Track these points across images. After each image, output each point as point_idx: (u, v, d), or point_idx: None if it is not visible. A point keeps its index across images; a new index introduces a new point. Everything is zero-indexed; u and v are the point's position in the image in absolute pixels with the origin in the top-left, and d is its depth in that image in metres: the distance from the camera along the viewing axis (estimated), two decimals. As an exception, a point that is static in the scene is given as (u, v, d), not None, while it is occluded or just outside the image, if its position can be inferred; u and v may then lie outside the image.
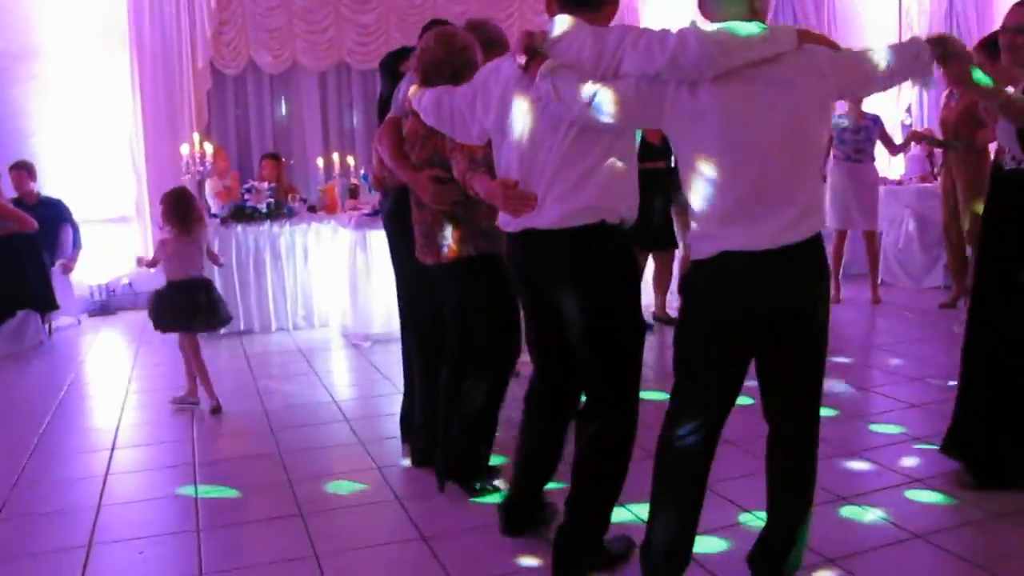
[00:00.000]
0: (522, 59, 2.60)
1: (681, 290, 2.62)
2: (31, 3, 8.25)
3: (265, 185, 7.24)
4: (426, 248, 3.53)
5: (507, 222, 2.83)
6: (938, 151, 9.57)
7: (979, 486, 3.46)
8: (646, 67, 2.39)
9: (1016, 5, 3.34)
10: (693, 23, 2.41)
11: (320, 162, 8.15)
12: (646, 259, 6.71)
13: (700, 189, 2.43)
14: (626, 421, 2.80)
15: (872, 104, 7.64)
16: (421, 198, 3.47)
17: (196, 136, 7.78)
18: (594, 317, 2.71)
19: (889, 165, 10.76)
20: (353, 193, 7.70)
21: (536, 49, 2.59)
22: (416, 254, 3.60)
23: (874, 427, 4.41)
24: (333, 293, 7.23)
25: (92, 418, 5.22)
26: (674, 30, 2.37)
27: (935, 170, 9.67)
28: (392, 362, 5.95)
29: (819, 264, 2.47)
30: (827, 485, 3.47)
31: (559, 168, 2.63)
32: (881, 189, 8.71)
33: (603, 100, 2.44)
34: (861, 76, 2.46)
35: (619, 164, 2.66)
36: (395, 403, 4.80)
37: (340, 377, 5.95)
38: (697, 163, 2.41)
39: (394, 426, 4.40)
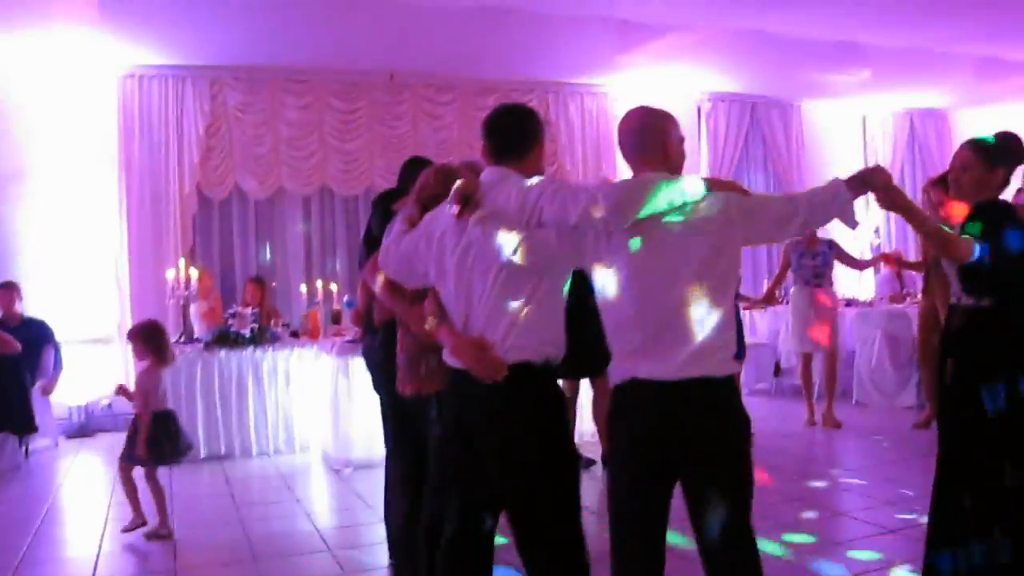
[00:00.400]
0: (455, 208, 2.78)
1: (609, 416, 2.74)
2: (24, 125, 8.48)
3: (249, 310, 7.35)
4: (407, 379, 3.62)
5: (447, 355, 2.92)
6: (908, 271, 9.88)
7: None
8: (562, 219, 2.61)
9: (963, 144, 3.55)
10: (604, 178, 2.64)
11: (304, 288, 8.28)
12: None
13: (612, 324, 2.67)
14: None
15: (829, 227, 7.92)
16: (412, 329, 3.58)
17: (182, 260, 7.90)
18: (512, 459, 2.77)
19: (860, 284, 11.08)
20: (336, 319, 7.81)
21: (469, 198, 2.78)
22: (396, 384, 3.70)
23: (852, 554, 4.46)
24: (314, 418, 7.26)
25: (70, 547, 5.18)
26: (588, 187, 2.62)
27: (904, 290, 9.95)
28: (373, 490, 5.96)
29: (731, 405, 2.62)
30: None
31: (489, 310, 2.76)
32: (852, 310, 8.96)
33: (528, 247, 2.66)
34: (772, 223, 2.65)
35: (546, 305, 2.79)
36: (377, 532, 4.82)
37: (322, 504, 5.94)
38: (611, 301, 2.64)
39: (377, 556, 4.42)
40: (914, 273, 9.32)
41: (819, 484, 5.85)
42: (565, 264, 2.78)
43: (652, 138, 2.70)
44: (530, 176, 2.84)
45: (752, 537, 2.65)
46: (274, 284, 9.04)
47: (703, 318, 2.56)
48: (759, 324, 10.27)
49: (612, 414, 2.72)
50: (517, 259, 2.68)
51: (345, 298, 7.95)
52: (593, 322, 2.79)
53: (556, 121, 10.30)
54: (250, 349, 7.20)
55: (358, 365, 6.73)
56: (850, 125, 12.42)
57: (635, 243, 2.58)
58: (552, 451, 2.80)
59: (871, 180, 2.72)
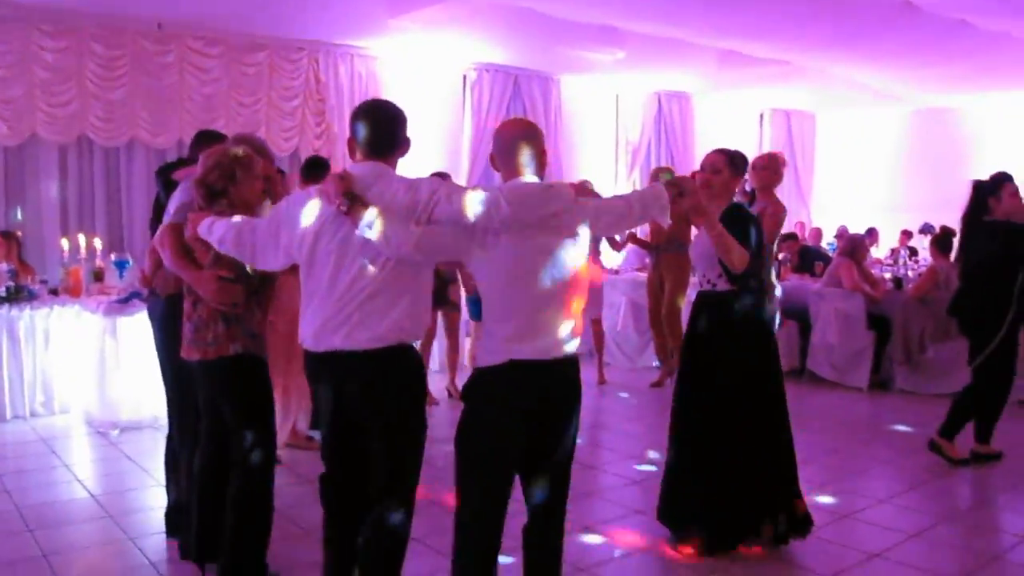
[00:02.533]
0: (343, 204, 2.96)
1: (465, 395, 3.06)
2: None
3: (4, 266, 7.00)
4: (193, 344, 3.75)
5: (313, 342, 3.12)
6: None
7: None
8: (459, 218, 2.91)
9: (713, 151, 4.32)
10: (499, 184, 3.01)
11: (65, 243, 7.92)
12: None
13: (492, 313, 3.01)
14: (407, 510, 3.16)
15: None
16: (202, 295, 3.71)
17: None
18: (393, 429, 3.11)
19: (609, 254, 11.91)
20: (98, 276, 7.57)
21: (354, 194, 2.97)
22: (181, 352, 3.82)
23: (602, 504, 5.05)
24: (76, 379, 7.05)
25: None
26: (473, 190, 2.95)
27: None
28: (143, 452, 6.00)
29: (578, 375, 3.11)
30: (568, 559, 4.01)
31: (372, 296, 3.01)
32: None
33: (426, 242, 2.93)
34: (617, 220, 3.19)
35: (422, 292, 3.14)
36: (156, 496, 4.91)
37: (93, 469, 5.85)
38: (491, 293, 3.00)
39: (160, 521, 4.51)
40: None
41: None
42: (453, 257, 3.07)
43: (534, 147, 3.05)
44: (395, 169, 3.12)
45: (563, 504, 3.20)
46: (19, 233, 8.39)
47: (565, 308, 2.98)
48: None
49: (482, 394, 3.01)
50: (408, 254, 2.93)
51: (112, 257, 7.71)
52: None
53: (326, 82, 10.32)
54: (5, 307, 6.88)
55: (126, 325, 6.68)
56: (604, 100, 13.21)
57: (518, 241, 2.90)
58: (419, 417, 3.18)
59: (685, 184, 3.35)
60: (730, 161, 4.23)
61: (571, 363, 3.04)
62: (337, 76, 10.47)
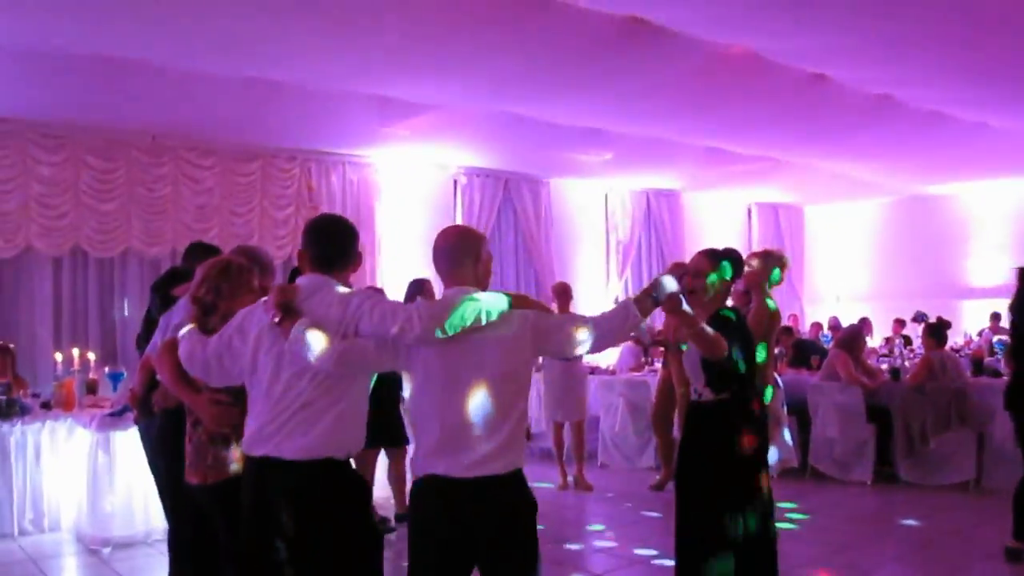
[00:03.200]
0: (276, 315, 2.98)
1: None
2: None
3: (-4, 381, 6.94)
4: (192, 468, 3.69)
5: (248, 447, 3.09)
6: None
7: None
8: (379, 332, 2.92)
9: (699, 253, 4.15)
10: (419, 301, 3.02)
11: (59, 356, 7.86)
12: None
13: (418, 422, 3.00)
14: None
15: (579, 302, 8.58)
16: (200, 419, 3.66)
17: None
18: (308, 544, 3.00)
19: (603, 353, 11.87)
20: (91, 389, 7.49)
21: (290, 305, 3.00)
22: (184, 475, 3.76)
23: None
24: (66, 495, 6.90)
25: None
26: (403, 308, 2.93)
27: (647, 359, 10.80)
28: (136, 569, 5.84)
29: (521, 497, 2.95)
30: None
31: (302, 407, 2.98)
32: (595, 378, 9.63)
33: (349, 355, 2.92)
34: (565, 342, 3.04)
35: (355, 405, 3.08)
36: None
37: (82, 589, 5.70)
38: (418, 401, 2.97)
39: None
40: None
41: (574, 547, 6.34)
42: (382, 368, 3.05)
43: (465, 256, 3.01)
44: (345, 283, 3.08)
45: None
46: (12, 346, 8.33)
47: (495, 422, 2.89)
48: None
49: (412, 506, 2.99)
50: (333, 367, 2.90)
51: (106, 370, 7.65)
52: (394, 399, 3.11)
53: (318, 190, 10.44)
54: (-2, 422, 6.78)
55: (120, 439, 6.57)
56: (594, 201, 13.39)
57: (440, 352, 2.88)
58: (359, 537, 3.03)
59: (659, 297, 3.15)
60: (715, 263, 4.04)
61: (496, 483, 2.88)
62: (330, 183, 10.61)
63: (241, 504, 3.15)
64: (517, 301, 3.04)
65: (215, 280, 3.62)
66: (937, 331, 8.12)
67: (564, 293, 8.52)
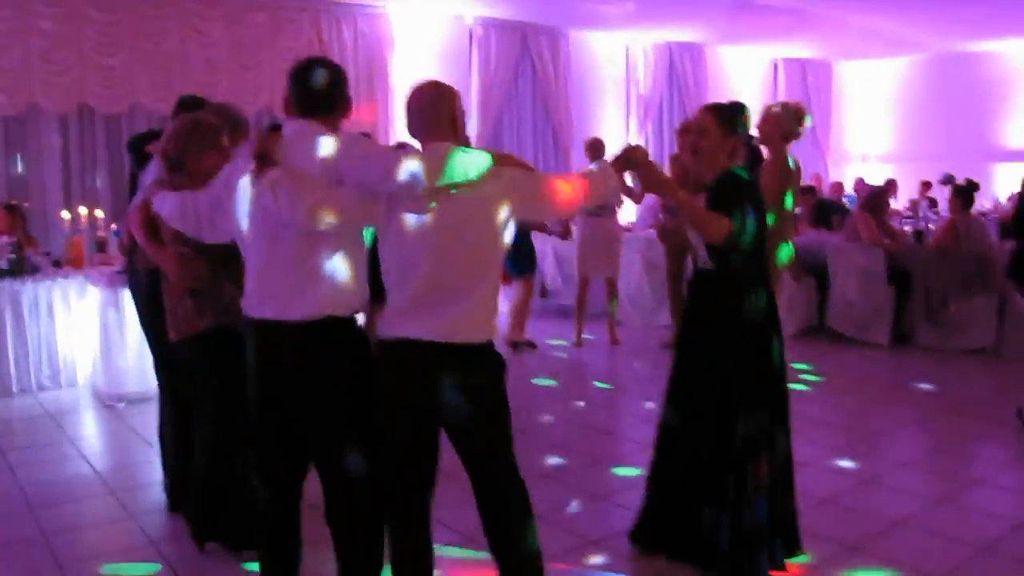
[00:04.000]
0: (252, 165, 2.82)
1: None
2: None
3: (4, 239, 6.87)
4: (169, 324, 3.65)
5: (247, 308, 2.97)
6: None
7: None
8: (363, 180, 2.74)
9: (702, 109, 3.68)
10: (406, 146, 2.79)
11: (66, 214, 7.78)
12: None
13: (389, 282, 2.85)
14: (363, 452, 2.99)
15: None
16: (167, 274, 3.59)
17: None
18: (321, 408, 2.92)
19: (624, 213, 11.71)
20: (101, 247, 7.43)
21: (265, 155, 2.81)
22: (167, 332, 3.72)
23: (617, 471, 4.90)
24: (82, 351, 6.96)
25: None
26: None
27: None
28: (149, 424, 5.86)
29: (492, 367, 2.87)
30: (581, 530, 3.90)
31: (293, 262, 2.84)
32: (619, 237, 9.47)
33: (323, 208, 2.73)
34: (543, 202, 2.93)
35: (348, 260, 2.89)
36: (158, 470, 4.79)
37: (97, 444, 5.77)
38: (390, 260, 2.83)
39: (161, 495, 4.45)
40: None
41: (581, 404, 6.35)
42: (362, 224, 2.89)
43: (442, 112, 2.83)
44: (334, 132, 2.90)
45: (517, 473, 2.95)
46: (26, 205, 8.29)
47: (474, 285, 2.78)
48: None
49: (381, 367, 2.89)
50: (316, 223, 2.74)
51: (112, 227, 7.59)
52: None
53: (329, 42, 10.10)
54: (7, 281, 6.77)
55: (128, 296, 6.52)
56: (615, 54, 12.93)
57: (422, 209, 2.72)
58: (363, 394, 2.95)
59: (631, 159, 3.11)
60: (720, 119, 3.55)
61: (471, 349, 2.80)
62: (341, 36, 10.26)
63: (245, 365, 3.04)
64: (500, 160, 2.86)
65: (182, 137, 3.52)
66: (965, 193, 7.86)
67: (596, 148, 8.24)
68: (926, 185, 13.54)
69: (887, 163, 14.77)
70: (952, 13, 11.45)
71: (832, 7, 11.08)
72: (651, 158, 3.30)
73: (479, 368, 2.84)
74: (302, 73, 2.92)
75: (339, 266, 2.86)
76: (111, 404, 6.47)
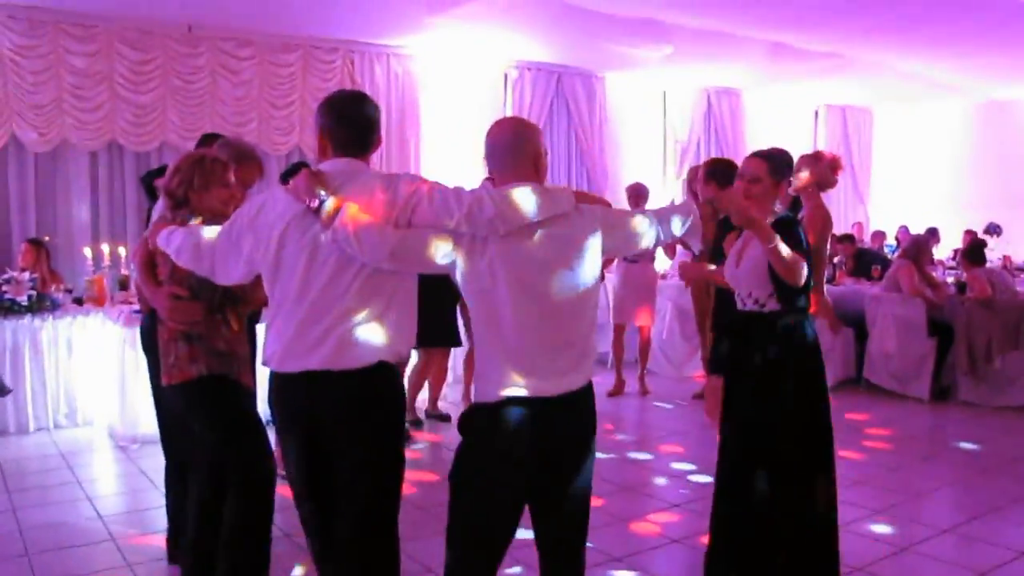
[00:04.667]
0: (313, 199, 2.62)
1: (461, 430, 2.68)
2: None
3: (26, 275, 6.82)
4: (163, 369, 3.47)
5: (281, 362, 2.77)
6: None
7: None
8: (441, 220, 2.55)
9: (750, 157, 3.64)
10: (485, 183, 2.61)
11: (88, 252, 7.74)
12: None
13: (484, 335, 2.61)
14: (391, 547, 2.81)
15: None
16: (160, 315, 3.44)
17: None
18: (371, 457, 2.75)
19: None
20: (123, 285, 7.36)
21: (328, 194, 2.62)
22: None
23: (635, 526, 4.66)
24: (99, 390, 6.86)
25: None
26: (466, 189, 2.58)
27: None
28: (160, 467, 5.71)
29: (592, 409, 2.69)
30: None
31: (348, 309, 2.65)
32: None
33: (405, 246, 2.55)
34: (630, 237, 2.78)
35: (405, 305, 2.75)
36: (164, 518, 4.63)
37: (106, 486, 5.63)
38: (483, 311, 2.59)
39: (163, 545, 4.28)
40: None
41: (607, 456, 6.11)
42: (437, 268, 2.65)
43: (527, 148, 2.67)
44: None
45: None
46: (46, 239, 8.13)
47: (579, 326, 2.62)
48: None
49: (478, 430, 2.64)
50: (383, 260, 2.58)
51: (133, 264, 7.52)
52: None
53: (361, 82, 10.06)
54: (28, 317, 6.70)
55: (147, 336, 6.44)
56: (651, 99, 12.78)
57: (509, 250, 2.55)
58: (397, 447, 2.83)
59: (720, 206, 3.02)
60: (771, 167, 3.55)
61: (582, 397, 2.64)
62: (373, 76, 10.22)
63: (279, 427, 2.89)
64: (579, 197, 2.73)
65: (186, 172, 3.38)
66: (972, 253, 7.76)
67: (638, 194, 8.16)
68: (970, 235, 13.20)
69: (928, 213, 14.43)
70: (994, 59, 11.20)
71: (870, 50, 10.86)
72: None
73: (588, 417, 2.71)
74: (344, 108, 2.78)
75: (399, 309, 2.73)
76: (125, 445, 6.35)
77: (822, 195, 5.03)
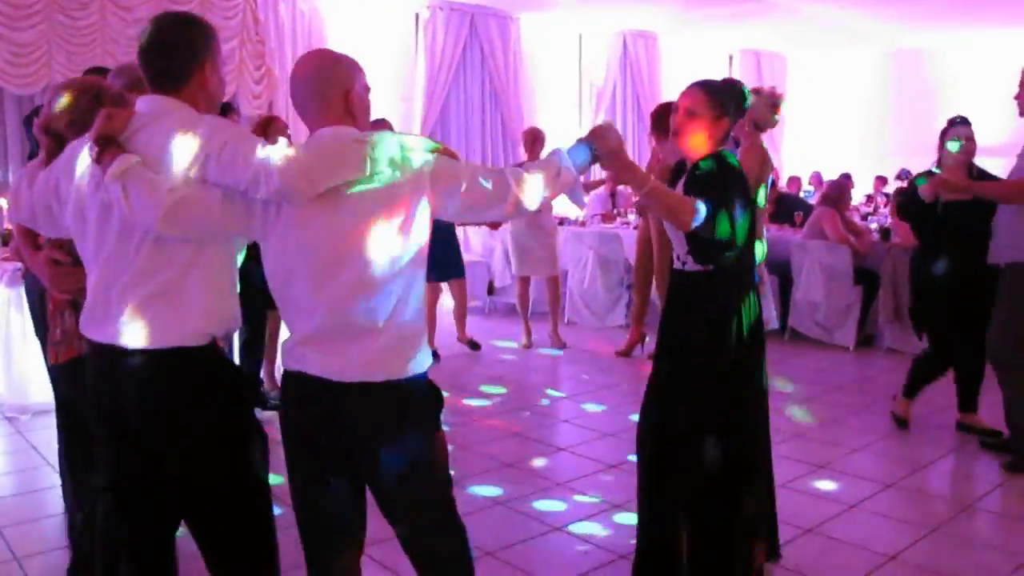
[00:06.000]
0: (94, 149, 2.19)
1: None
2: None
3: None
4: (49, 343, 3.06)
5: (85, 326, 2.36)
6: (621, 189, 10.12)
7: None
8: (228, 182, 2.13)
9: (694, 85, 3.15)
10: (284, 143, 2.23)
11: (-33, 204, 7.09)
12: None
13: (286, 307, 2.25)
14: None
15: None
16: (42, 282, 3.01)
17: None
18: (186, 448, 2.31)
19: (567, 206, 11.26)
20: (6, 241, 6.75)
21: (110, 137, 2.18)
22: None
23: (577, 497, 4.41)
24: (-18, 356, 6.30)
25: None
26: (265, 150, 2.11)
27: (617, 209, 10.20)
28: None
29: (406, 409, 2.23)
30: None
31: (133, 281, 2.23)
32: (564, 230, 9.01)
33: (182, 211, 2.11)
34: (475, 198, 2.26)
35: (212, 278, 2.29)
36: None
37: (-8, 463, 5.14)
38: (283, 280, 2.21)
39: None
40: (629, 191, 9.50)
41: (526, 414, 5.87)
42: (228, 234, 2.26)
43: (331, 88, 2.22)
44: (199, 105, 2.29)
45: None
46: None
47: (392, 305, 2.18)
48: (473, 241, 10.16)
49: (283, 401, 2.33)
50: (161, 225, 2.12)
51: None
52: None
53: (265, 22, 9.47)
54: (-102, 277, 6.09)
55: (35, 297, 5.90)
56: (567, 42, 12.47)
57: (309, 215, 2.13)
58: (227, 445, 2.34)
59: (605, 143, 2.53)
60: (712, 99, 3.07)
61: (388, 388, 2.18)
62: (277, 16, 9.65)
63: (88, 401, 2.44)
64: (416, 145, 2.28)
65: (82, 109, 2.86)
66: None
67: (535, 139, 7.75)
68: (881, 180, 13.31)
69: (840, 158, 14.50)
70: (904, 6, 11.19)
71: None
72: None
73: (382, 417, 2.22)
74: (144, 37, 2.27)
75: (197, 285, 2.24)
76: (13, 416, 5.83)
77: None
